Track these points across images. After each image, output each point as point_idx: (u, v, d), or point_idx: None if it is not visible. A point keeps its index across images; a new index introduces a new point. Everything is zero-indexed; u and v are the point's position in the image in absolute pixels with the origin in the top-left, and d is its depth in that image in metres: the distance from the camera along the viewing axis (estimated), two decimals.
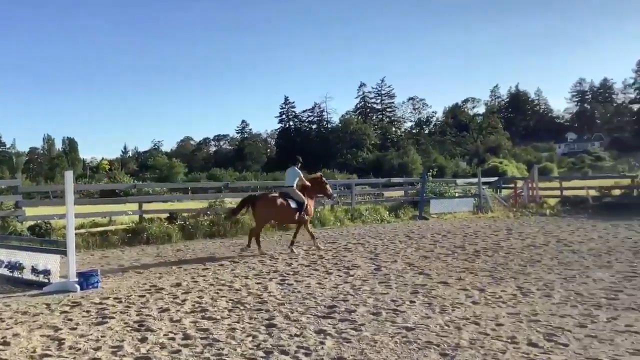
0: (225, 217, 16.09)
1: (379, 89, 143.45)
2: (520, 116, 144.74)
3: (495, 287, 8.06)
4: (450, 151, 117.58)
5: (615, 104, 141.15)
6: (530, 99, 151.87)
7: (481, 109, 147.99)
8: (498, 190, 26.71)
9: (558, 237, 13.70)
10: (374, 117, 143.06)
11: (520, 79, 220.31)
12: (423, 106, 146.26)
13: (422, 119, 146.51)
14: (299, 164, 13.02)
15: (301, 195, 12.70)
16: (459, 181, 27.54)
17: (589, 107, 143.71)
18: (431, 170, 27.11)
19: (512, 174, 66.75)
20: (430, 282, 8.51)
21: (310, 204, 13.00)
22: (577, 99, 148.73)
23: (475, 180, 24.64)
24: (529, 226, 16.82)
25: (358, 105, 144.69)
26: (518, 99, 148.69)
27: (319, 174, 14.04)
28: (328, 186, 13.49)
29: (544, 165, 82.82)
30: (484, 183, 24.71)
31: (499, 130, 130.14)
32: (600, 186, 22.66)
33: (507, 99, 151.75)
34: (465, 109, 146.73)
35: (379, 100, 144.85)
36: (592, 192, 22.29)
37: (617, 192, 21.93)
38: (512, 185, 26.72)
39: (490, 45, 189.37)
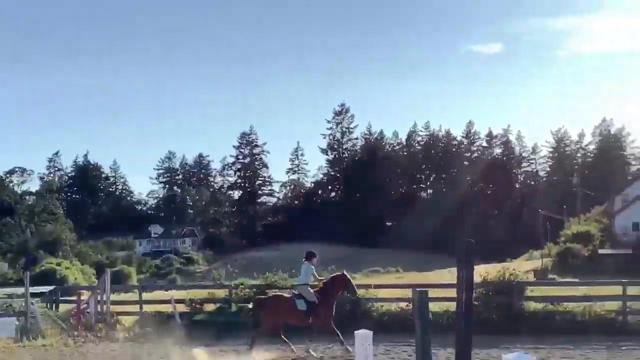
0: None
1: None
2: (89, 199, 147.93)
3: None
4: None
5: (212, 190, 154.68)
6: (104, 176, 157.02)
7: (35, 185, 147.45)
8: (54, 305, 26.60)
9: None
10: None
11: (90, 147, 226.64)
12: None
13: None
14: (314, 259, 17.02)
15: (313, 294, 16.21)
16: None
17: (179, 191, 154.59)
18: None
19: (75, 281, 66.96)
20: None
21: (329, 303, 16.44)
22: (165, 180, 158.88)
23: (21, 290, 24.16)
24: (96, 358, 17.12)
25: None
26: (87, 175, 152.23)
27: (341, 272, 17.23)
28: (352, 283, 16.89)
29: (120, 269, 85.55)
30: (34, 294, 24.39)
31: (59, 217, 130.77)
32: (192, 299, 24.37)
33: (72, 174, 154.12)
34: (12, 184, 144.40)
35: None
36: (181, 307, 23.83)
37: (211, 306, 23.85)
38: (74, 297, 26.84)
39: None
